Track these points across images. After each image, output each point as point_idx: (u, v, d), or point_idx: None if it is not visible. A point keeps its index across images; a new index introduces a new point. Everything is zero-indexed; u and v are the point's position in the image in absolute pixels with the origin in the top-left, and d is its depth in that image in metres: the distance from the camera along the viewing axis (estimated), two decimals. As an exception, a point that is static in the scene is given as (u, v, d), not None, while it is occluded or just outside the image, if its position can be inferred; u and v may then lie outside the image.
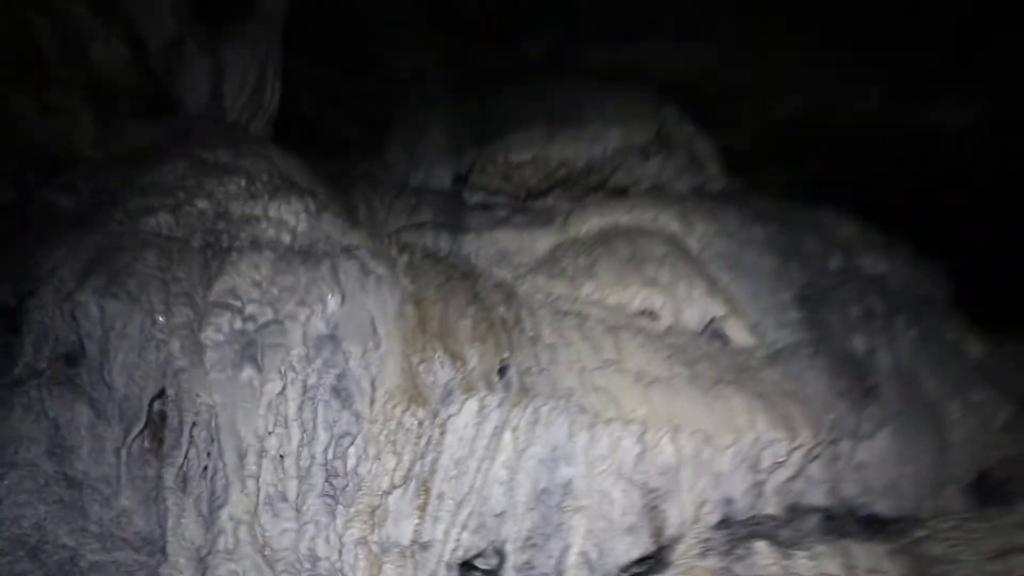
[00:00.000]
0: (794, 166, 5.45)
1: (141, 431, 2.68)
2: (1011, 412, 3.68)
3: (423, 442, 2.85)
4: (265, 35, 4.13)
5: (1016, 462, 3.41)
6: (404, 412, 2.83)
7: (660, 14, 4.97)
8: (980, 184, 5.47)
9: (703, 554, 2.90)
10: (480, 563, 2.92)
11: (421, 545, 2.85)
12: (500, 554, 2.92)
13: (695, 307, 3.52)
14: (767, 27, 4.97)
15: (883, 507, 3.19)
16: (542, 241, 3.84)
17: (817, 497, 3.14)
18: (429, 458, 2.86)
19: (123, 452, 2.64)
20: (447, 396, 2.89)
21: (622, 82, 4.83)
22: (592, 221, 3.95)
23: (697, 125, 4.80)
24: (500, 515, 2.88)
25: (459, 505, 2.87)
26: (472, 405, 2.88)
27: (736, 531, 2.99)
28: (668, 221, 3.93)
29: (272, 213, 3.23)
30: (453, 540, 2.86)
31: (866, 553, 2.99)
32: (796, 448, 3.06)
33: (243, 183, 3.28)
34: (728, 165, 4.80)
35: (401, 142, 4.86)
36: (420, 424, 2.88)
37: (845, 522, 3.13)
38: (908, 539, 3.06)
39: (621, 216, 3.96)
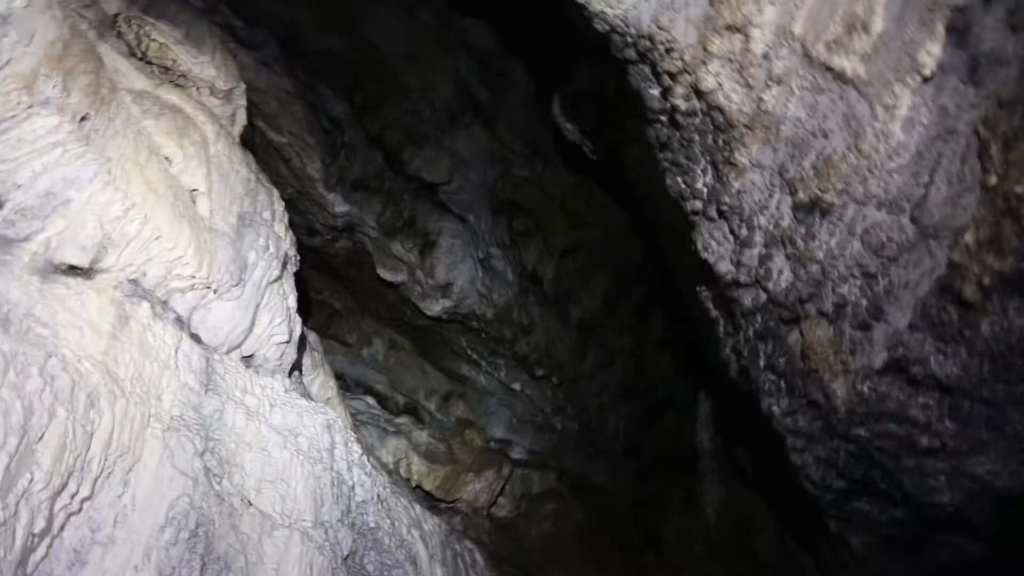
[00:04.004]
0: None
1: None
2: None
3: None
4: None
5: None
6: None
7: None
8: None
9: (115, 287, 4.75)
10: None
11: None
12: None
13: (190, 177, 5.58)
14: None
15: (205, 338, 5.44)
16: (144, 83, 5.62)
17: (181, 306, 5.25)
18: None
19: None
20: (45, 103, 4.44)
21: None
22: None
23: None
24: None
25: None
26: (54, 120, 4.46)
27: (144, 287, 4.93)
28: (207, 127, 6.04)
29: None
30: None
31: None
32: (196, 272, 5.17)
33: None
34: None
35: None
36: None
37: (181, 325, 5.30)
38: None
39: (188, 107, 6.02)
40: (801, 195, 3.67)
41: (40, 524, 3.58)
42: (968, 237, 3.05)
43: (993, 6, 3.00)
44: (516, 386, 10.45)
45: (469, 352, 10.48)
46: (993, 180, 3.01)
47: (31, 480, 3.52)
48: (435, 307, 9.98)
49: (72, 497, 3.76)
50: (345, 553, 4.87)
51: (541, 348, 10.30)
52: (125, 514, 4.01)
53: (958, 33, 3.13)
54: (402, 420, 9.06)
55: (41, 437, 3.64)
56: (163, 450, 4.36)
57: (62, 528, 3.79)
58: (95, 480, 3.89)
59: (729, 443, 7.52)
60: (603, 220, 10.10)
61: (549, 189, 9.96)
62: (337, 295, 11.30)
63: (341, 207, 9.64)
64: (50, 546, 3.70)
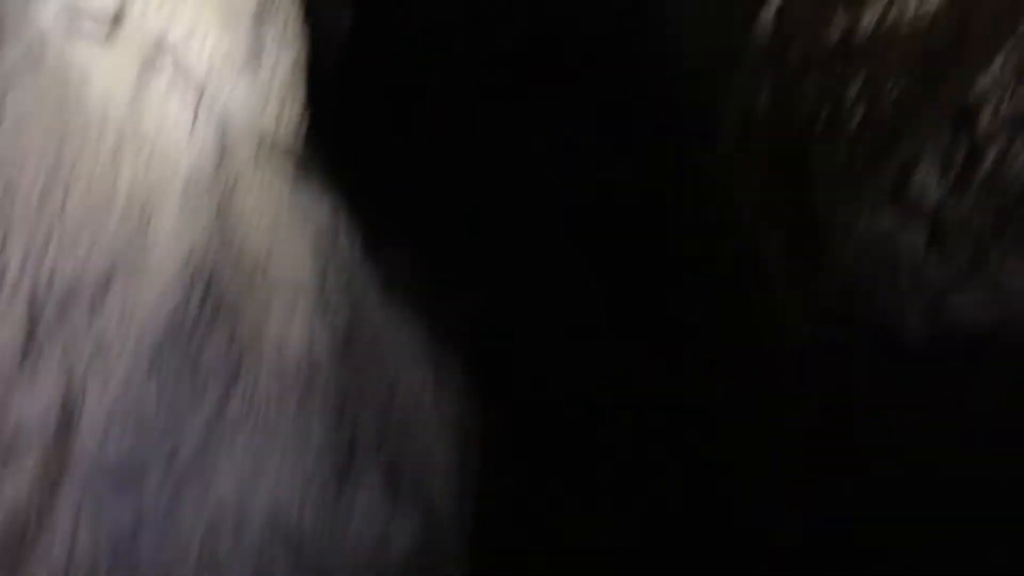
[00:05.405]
0: None
1: None
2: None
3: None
4: None
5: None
6: None
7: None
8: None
9: (139, 45, 4.78)
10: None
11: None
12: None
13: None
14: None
15: (219, 113, 5.54)
16: None
17: (199, 77, 5.32)
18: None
19: None
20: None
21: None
22: None
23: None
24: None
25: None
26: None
27: (165, 50, 4.97)
28: None
29: None
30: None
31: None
32: (216, 46, 5.22)
33: None
34: None
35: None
36: None
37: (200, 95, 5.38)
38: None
39: None
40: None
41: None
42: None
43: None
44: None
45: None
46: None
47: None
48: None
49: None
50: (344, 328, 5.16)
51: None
52: (147, 253, 4.27)
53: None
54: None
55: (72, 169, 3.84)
56: (179, 208, 4.56)
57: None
58: (118, 219, 4.11)
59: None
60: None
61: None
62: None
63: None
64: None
